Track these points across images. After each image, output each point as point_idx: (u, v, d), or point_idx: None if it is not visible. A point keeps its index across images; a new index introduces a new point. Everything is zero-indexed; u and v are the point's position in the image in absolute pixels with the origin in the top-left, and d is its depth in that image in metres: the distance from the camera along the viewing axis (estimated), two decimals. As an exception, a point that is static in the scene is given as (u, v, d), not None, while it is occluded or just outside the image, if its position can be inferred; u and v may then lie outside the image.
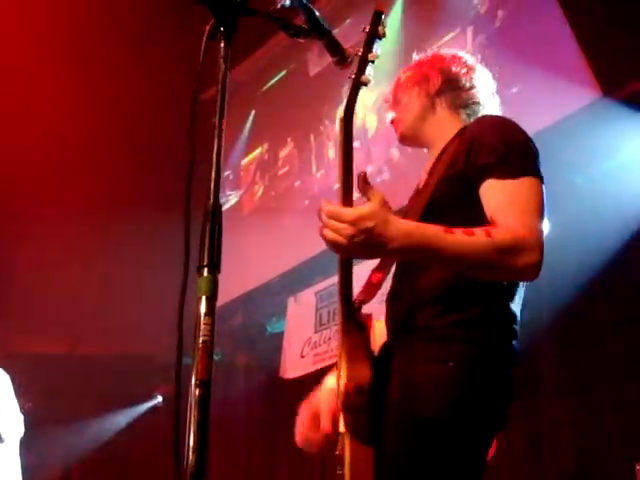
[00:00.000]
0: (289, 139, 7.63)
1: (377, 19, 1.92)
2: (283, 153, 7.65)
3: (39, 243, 7.62)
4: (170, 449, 1.22)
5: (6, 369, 4.66)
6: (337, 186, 1.85)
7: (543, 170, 1.95)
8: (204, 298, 1.28)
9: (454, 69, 2.24)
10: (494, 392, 1.89)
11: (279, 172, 7.65)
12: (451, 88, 2.23)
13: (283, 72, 7.88)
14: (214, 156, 1.40)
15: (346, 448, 1.90)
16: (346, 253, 1.75)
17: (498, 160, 1.89)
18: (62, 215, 7.48)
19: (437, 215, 1.92)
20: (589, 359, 4.66)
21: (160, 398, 8.16)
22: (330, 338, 6.47)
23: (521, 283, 2.03)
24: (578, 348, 4.74)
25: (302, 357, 6.66)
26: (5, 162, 7.06)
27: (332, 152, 7.02)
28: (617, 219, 4.65)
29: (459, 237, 1.73)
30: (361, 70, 1.90)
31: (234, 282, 6.93)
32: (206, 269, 1.30)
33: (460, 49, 2.41)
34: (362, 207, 1.68)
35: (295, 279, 6.95)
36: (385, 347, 2.08)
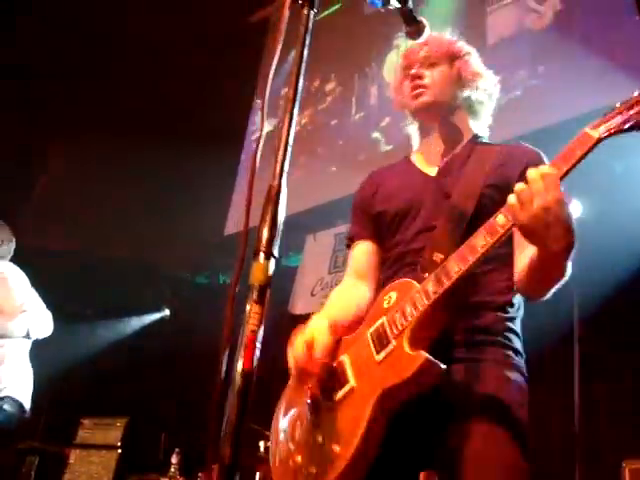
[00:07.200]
0: (333, 75, 7.47)
1: None
2: (325, 89, 7.50)
3: (69, 145, 7.62)
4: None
5: (19, 263, 4.64)
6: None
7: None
8: (256, 285, 1.25)
9: (483, 74, 2.35)
10: None
11: (318, 107, 7.52)
12: (472, 90, 2.32)
13: (338, 5, 7.67)
14: (283, 136, 1.35)
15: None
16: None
17: None
18: (93, 123, 7.46)
19: (485, 220, 1.88)
20: (620, 344, 4.79)
21: (167, 311, 8.27)
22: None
23: None
24: (610, 334, 4.86)
25: (312, 295, 6.70)
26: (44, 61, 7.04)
27: (374, 98, 6.89)
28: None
29: None
30: None
31: (254, 210, 6.91)
32: (263, 255, 1.27)
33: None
34: None
35: (316, 218, 6.92)
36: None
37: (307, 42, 1.44)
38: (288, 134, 1.35)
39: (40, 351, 4.57)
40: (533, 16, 5.94)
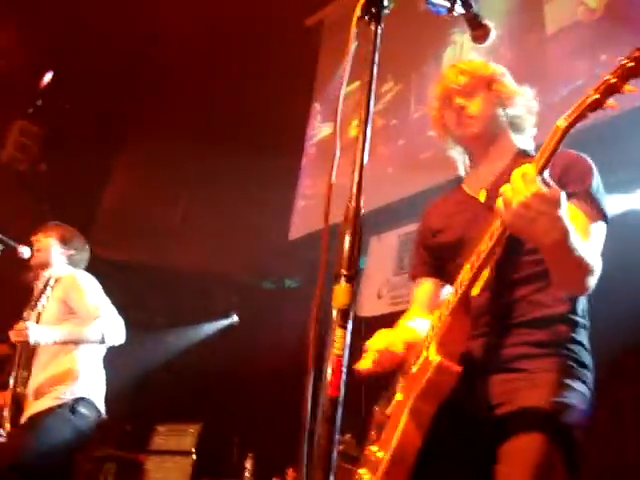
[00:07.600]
0: (389, 75, 7.40)
1: None
2: (382, 89, 7.44)
3: (134, 156, 7.75)
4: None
5: (92, 272, 4.68)
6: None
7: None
8: (339, 309, 1.25)
9: (520, 91, 2.39)
10: None
11: (376, 108, 7.46)
12: (512, 108, 2.36)
13: (391, 4, 7.60)
14: (358, 158, 1.35)
15: None
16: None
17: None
18: (157, 134, 7.57)
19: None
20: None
21: (236, 317, 8.33)
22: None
23: None
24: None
25: (379, 297, 6.66)
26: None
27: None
28: None
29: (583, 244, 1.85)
30: None
31: (319, 214, 6.92)
32: (344, 278, 1.27)
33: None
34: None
35: (380, 219, 6.87)
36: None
37: (376, 60, 1.43)
38: (362, 155, 1.35)
39: (113, 359, 4.66)
40: (585, 6, 5.83)
